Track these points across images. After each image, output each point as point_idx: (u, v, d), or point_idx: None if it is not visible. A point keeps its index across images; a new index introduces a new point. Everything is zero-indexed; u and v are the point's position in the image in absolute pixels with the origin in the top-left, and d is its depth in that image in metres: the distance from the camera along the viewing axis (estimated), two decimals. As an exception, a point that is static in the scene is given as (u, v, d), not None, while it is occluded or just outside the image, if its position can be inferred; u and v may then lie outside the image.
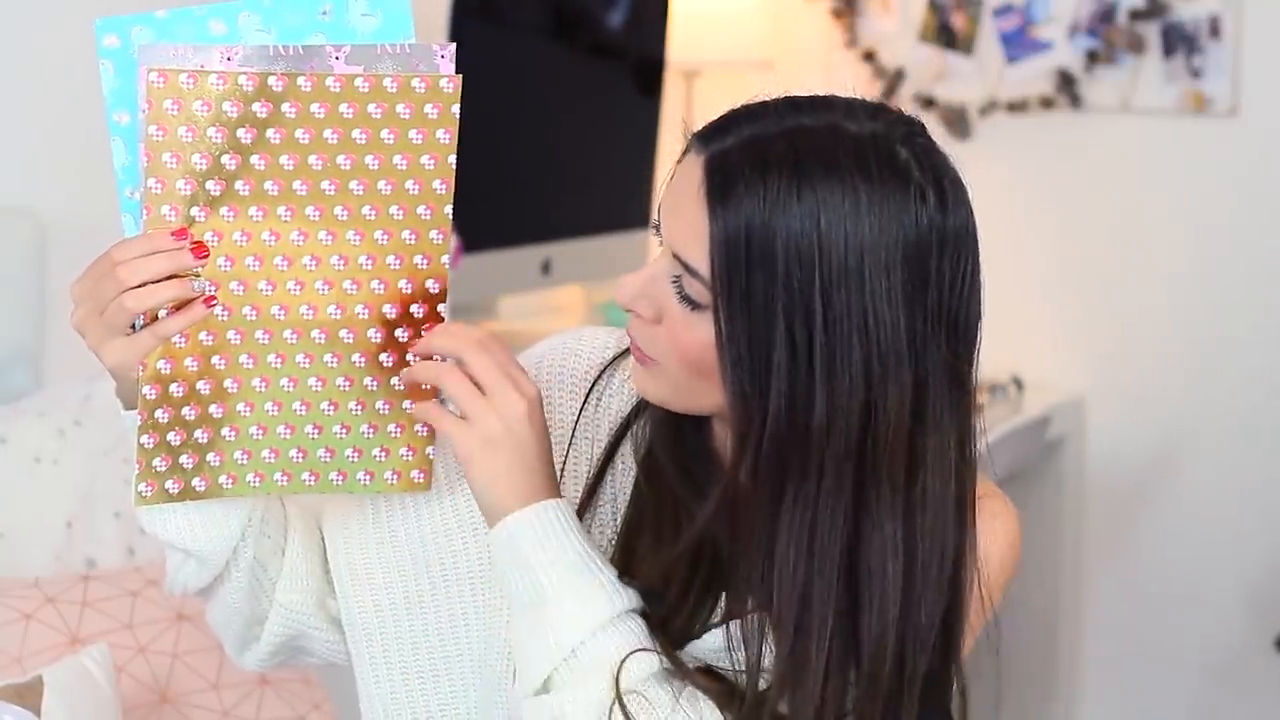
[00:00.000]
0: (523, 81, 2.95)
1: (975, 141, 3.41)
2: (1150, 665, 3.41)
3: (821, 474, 1.20)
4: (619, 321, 3.23)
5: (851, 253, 1.18)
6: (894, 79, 3.47)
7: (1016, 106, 3.37)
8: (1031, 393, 3.28)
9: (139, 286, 1.22)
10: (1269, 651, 3.21)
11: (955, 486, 1.24)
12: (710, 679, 1.25)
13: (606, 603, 1.23)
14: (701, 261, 1.20)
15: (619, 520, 1.36)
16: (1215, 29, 3.19)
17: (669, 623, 1.28)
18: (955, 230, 1.22)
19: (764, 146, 1.19)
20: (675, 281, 1.23)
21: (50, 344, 2.45)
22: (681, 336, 1.23)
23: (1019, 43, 3.37)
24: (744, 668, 1.25)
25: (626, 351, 1.42)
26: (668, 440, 1.34)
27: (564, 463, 1.38)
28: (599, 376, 1.41)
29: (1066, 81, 3.33)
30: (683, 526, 1.31)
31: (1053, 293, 3.40)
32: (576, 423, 1.39)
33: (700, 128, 1.24)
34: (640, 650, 1.23)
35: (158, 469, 1.26)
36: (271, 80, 1.22)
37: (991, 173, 3.42)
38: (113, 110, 1.25)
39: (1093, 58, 3.29)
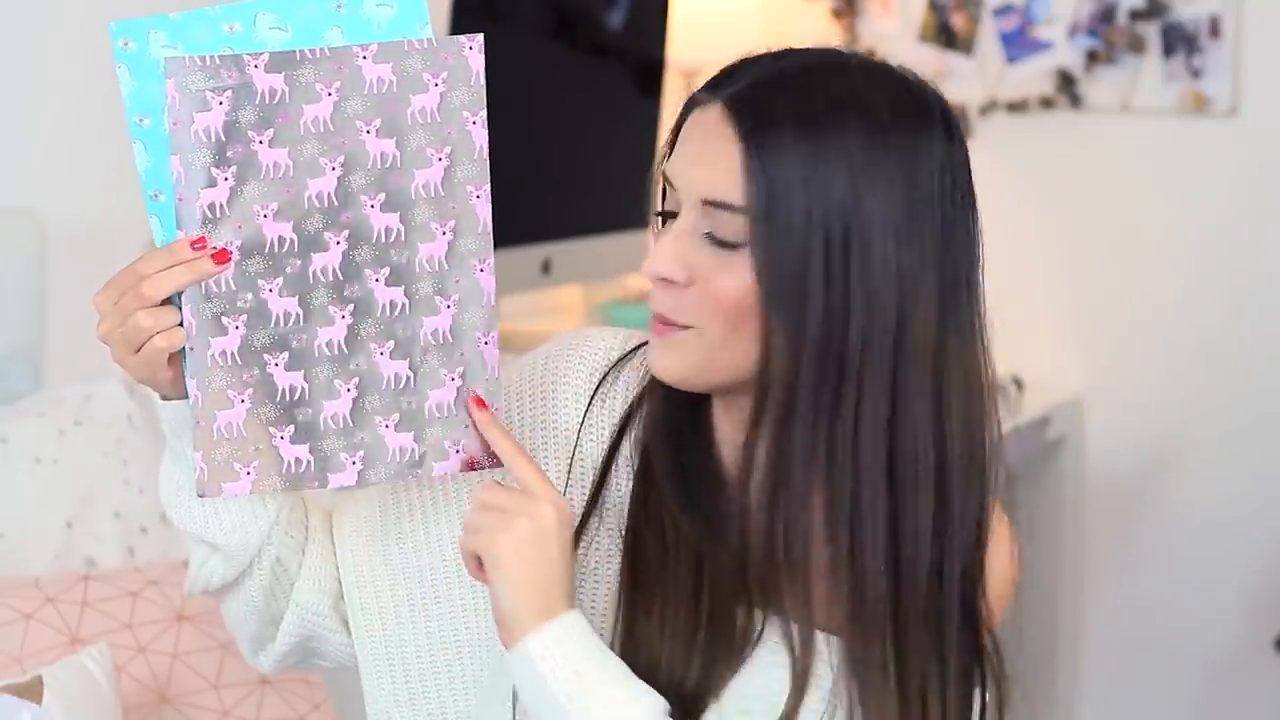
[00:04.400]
0: (522, 81, 2.95)
1: (975, 141, 3.41)
2: (1150, 665, 3.41)
3: (861, 383, 1.24)
4: (619, 321, 3.23)
5: (882, 167, 1.23)
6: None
7: (1016, 106, 3.37)
8: (1031, 393, 3.28)
9: (156, 306, 1.23)
10: (1269, 651, 3.21)
11: (977, 380, 1.29)
12: None
13: (638, 711, 1.24)
14: (737, 195, 1.23)
15: (623, 528, 1.35)
16: (1215, 29, 3.19)
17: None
18: (961, 147, 1.29)
19: (786, 78, 1.25)
20: (706, 235, 1.25)
21: (50, 344, 2.45)
22: (719, 287, 1.25)
23: (1019, 43, 3.37)
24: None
25: (632, 353, 1.42)
26: (668, 458, 1.34)
27: (569, 465, 1.38)
28: (604, 378, 1.40)
29: (1066, 81, 3.33)
30: (695, 549, 1.31)
31: (1053, 293, 3.40)
32: (581, 425, 1.39)
33: (702, 84, 1.28)
34: None
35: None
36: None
37: (991, 173, 3.40)
38: (132, 113, 1.24)
39: (1093, 58, 3.29)
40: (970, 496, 1.29)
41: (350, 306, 1.26)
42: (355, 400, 1.27)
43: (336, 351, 1.26)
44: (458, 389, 1.28)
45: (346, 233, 1.25)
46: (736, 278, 1.24)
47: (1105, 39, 3.28)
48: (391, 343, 1.27)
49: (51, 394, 2.31)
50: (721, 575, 1.30)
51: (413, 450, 1.29)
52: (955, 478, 1.28)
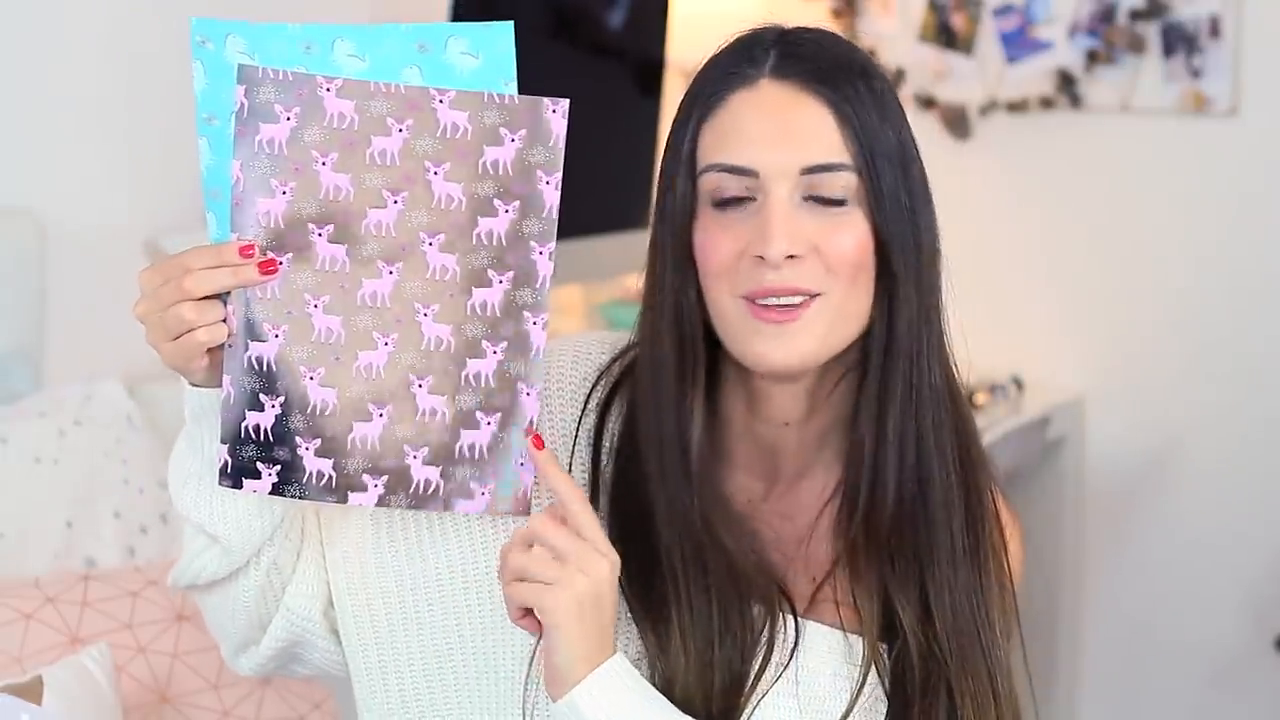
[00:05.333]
0: (523, 81, 2.94)
1: (975, 141, 3.41)
2: (1150, 665, 3.41)
3: (939, 315, 1.35)
4: (619, 321, 3.23)
5: (900, 111, 1.34)
6: (894, 79, 3.46)
7: (1016, 106, 3.37)
8: (1031, 393, 3.28)
9: (202, 299, 1.23)
10: (1269, 651, 3.21)
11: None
12: None
13: None
14: (840, 155, 1.28)
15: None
16: (1215, 29, 3.18)
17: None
18: None
19: (809, 43, 1.34)
20: (810, 200, 1.28)
21: (50, 344, 2.45)
22: (837, 247, 1.29)
23: (1019, 43, 3.37)
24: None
25: (622, 354, 1.43)
26: (657, 448, 1.34)
27: (569, 468, 1.38)
28: (597, 382, 1.41)
29: (1066, 81, 3.32)
30: (686, 539, 1.33)
31: (1053, 293, 3.40)
32: (578, 428, 1.39)
33: (719, 73, 1.33)
34: None
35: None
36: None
37: (991, 173, 3.41)
38: (201, 110, 1.25)
39: (1093, 58, 3.29)
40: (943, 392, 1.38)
41: (394, 335, 1.25)
42: (385, 426, 1.26)
43: (374, 375, 1.26)
44: (492, 434, 1.27)
45: (400, 264, 1.24)
46: (850, 233, 1.29)
47: (1105, 39, 3.28)
48: (431, 377, 1.26)
49: (51, 394, 2.31)
50: (733, 572, 1.31)
51: (438, 485, 1.28)
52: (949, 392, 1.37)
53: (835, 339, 1.31)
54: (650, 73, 3.30)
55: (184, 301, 1.23)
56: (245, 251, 1.23)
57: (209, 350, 1.25)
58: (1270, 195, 3.20)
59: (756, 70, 1.31)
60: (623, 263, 3.26)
